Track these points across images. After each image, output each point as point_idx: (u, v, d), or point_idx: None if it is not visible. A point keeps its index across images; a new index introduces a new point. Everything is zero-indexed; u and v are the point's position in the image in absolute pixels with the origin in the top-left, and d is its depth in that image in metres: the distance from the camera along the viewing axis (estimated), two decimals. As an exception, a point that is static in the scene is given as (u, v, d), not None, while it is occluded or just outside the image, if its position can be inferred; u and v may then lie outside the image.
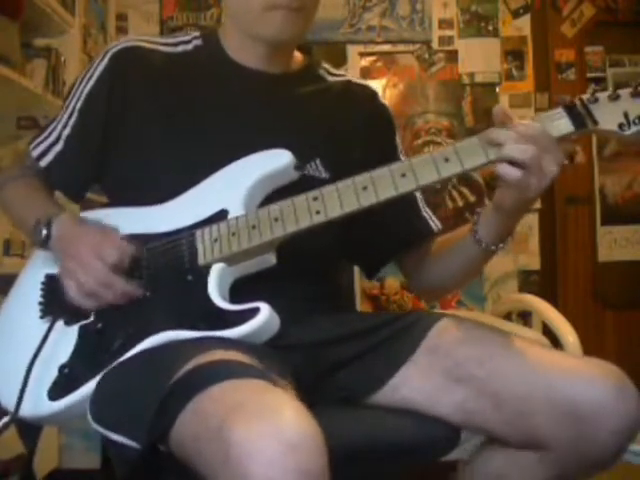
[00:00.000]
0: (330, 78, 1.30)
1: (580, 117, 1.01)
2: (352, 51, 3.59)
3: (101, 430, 0.99)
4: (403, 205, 1.04)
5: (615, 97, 1.01)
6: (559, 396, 0.98)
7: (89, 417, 1.01)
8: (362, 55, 3.62)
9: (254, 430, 0.74)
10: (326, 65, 1.33)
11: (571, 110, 1.01)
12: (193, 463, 0.83)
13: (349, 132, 1.25)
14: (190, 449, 0.83)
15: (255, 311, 0.98)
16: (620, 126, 1.00)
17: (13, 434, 1.64)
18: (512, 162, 0.99)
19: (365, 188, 1.02)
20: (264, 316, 0.98)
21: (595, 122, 1.01)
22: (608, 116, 1.01)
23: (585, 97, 1.02)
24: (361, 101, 1.31)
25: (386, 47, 3.62)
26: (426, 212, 1.31)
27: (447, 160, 1.01)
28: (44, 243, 1.13)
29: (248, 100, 1.20)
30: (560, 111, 1.02)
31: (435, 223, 1.31)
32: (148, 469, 0.89)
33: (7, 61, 2.22)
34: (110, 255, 1.05)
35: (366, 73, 3.55)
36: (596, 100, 1.01)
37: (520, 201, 1.03)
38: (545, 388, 0.99)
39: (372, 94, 1.33)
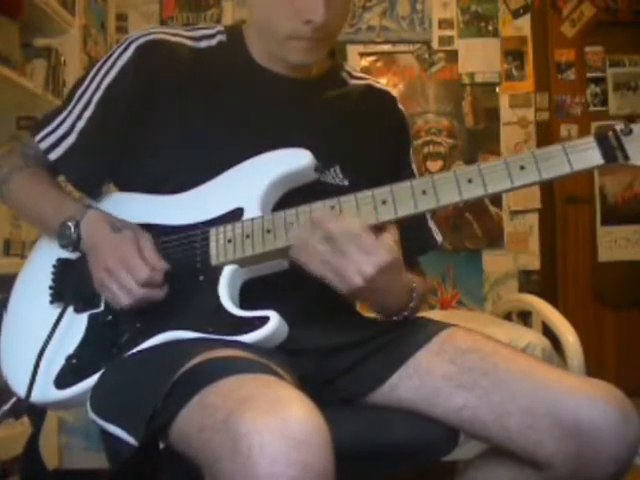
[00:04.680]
0: (351, 81, 1.30)
1: (611, 150, 0.95)
2: (352, 51, 3.60)
3: (98, 421, 0.99)
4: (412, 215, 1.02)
5: None
6: (562, 413, 0.97)
7: (88, 407, 1.02)
8: (362, 55, 3.62)
9: (262, 423, 0.74)
10: (348, 67, 1.33)
11: (603, 141, 0.95)
12: (196, 455, 0.83)
13: (369, 138, 1.24)
14: (194, 441, 0.83)
15: (264, 320, 0.97)
16: None
17: (13, 434, 1.64)
18: None
19: (384, 202, 1.00)
20: (273, 325, 0.97)
21: (626, 157, 0.95)
22: None
23: (619, 128, 0.95)
24: (381, 107, 1.30)
25: (386, 47, 3.62)
26: (431, 224, 1.31)
27: (470, 181, 0.98)
28: (74, 246, 1.10)
29: (270, 104, 1.18)
30: (591, 141, 0.96)
31: (438, 236, 1.32)
32: (141, 463, 0.88)
33: (7, 61, 2.22)
34: (142, 274, 1.02)
35: (366, 73, 3.53)
36: (630, 132, 0.95)
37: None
38: (549, 404, 0.99)
39: (392, 101, 1.33)
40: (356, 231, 0.97)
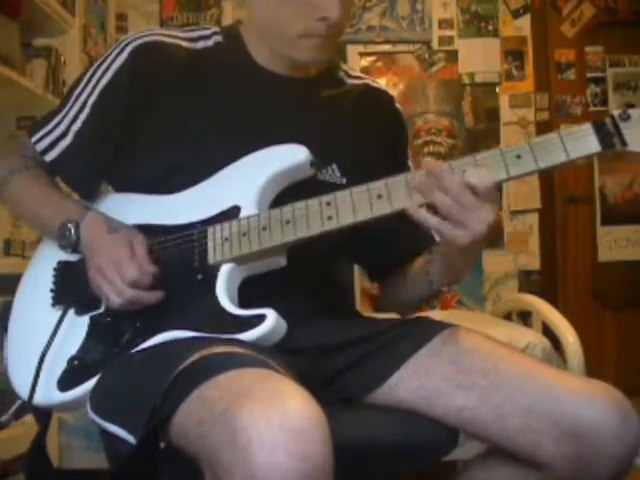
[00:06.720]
0: (349, 81, 1.29)
1: (609, 136, 0.93)
2: (352, 51, 3.60)
3: (98, 420, 1.00)
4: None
5: None
6: (562, 413, 0.97)
7: (88, 407, 1.02)
8: (362, 55, 3.62)
9: (260, 415, 0.75)
10: (345, 67, 1.32)
11: (600, 128, 0.93)
12: (195, 449, 0.83)
13: (366, 137, 1.24)
14: (193, 434, 0.83)
15: (262, 318, 0.97)
16: None
17: (14, 434, 1.64)
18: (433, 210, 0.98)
19: (380, 196, 1.00)
20: (270, 323, 0.97)
21: (624, 143, 0.93)
22: (639, 136, 0.92)
23: (616, 113, 0.93)
24: (379, 106, 1.30)
25: (386, 47, 3.62)
26: None
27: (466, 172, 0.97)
28: (74, 247, 1.11)
29: (269, 104, 1.18)
30: (588, 128, 0.94)
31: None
32: (140, 462, 0.88)
33: (7, 61, 2.22)
34: (130, 274, 1.03)
35: (366, 73, 3.50)
36: (628, 117, 0.93)
37: (453, 248, 1.02)
38: (549, 404, 0.98)
39: (389, 99, 1.33)
40: (469, 184, 0.96)
